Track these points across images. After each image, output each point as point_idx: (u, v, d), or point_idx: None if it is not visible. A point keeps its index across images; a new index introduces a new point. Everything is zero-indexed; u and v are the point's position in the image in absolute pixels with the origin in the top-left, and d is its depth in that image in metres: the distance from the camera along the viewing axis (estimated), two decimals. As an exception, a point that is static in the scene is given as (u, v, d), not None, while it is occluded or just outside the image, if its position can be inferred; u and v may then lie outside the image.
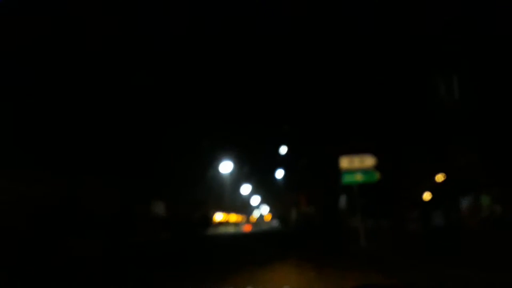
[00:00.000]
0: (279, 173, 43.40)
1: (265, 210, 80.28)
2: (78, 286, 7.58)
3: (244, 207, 63.22)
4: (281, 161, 43.33)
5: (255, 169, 51.86)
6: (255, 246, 15.87)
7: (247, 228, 50.62)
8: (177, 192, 35.83)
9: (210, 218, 42.20)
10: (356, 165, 13.29)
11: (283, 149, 36.04)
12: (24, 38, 15.51)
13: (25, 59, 16.52)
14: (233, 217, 57.74)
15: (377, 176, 13.41)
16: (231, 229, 47.71)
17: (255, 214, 75.58)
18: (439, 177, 21.76)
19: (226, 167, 48.53)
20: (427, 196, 21.31)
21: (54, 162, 18.23)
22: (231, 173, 49.52)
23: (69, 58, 18.48)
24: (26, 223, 14.27)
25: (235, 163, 48.95)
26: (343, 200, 32.30)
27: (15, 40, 15.15)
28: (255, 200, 65.96)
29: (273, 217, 79.08)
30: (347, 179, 13.49)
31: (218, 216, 49.57)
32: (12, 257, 11.93)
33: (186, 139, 38.35)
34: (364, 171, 13.27)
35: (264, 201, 66.51)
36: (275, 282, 6.93)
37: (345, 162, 13.36)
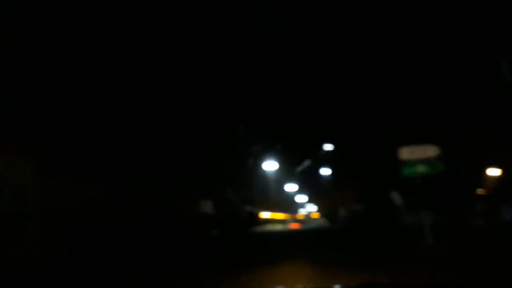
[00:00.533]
0: (325, 171, 42.08)
1: (311, 208, 78.79)
2: (132, 284, 7.37)
3: (290, 205, 62.13)
4: (327, 158, 42.03)
5: (301, 166, 50.85)
6: (306, 244, 14.84)
7: (294, 226, 49.49)
8: (224, 190, 35.50)
9: (257, 215, 41.58)
10: (418, 155, 11.98)
11: (328, 146, 34.69)
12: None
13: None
14: (280, 215, 56.81)
15: (441, 167, 12.05)
16: (278, 227, 46.82)
17: (301, 212, 74.24)
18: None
19: (270, 165, 47.83)
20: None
21: (103, 161, 18.31)
22: (276, 172, 48.73)
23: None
24: (78, 222, 14.17)
25: (280, 162, 48.17)
26: (395, 196, 30.52)
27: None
28: (301, 198, 64.74)
29: (320, 215, 77.47)
30: (408, 171, 12.20)
31: (265, 214, 48.84)
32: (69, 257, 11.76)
33: (232, 138, 37.98)
34: (427, 162, 11.93)
35: (310, 199, 65.09)
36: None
37: (405, 153, 12.09)
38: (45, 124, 15.80)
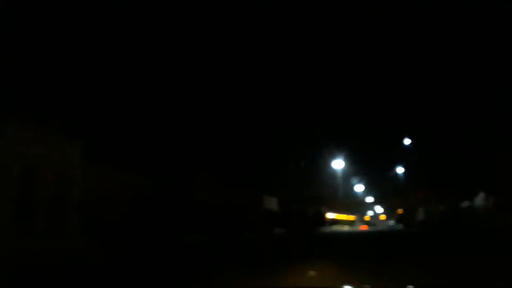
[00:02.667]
0: (399, 169, 37.54)
1: (378, 209, 73.00)
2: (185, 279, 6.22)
3: (357, 206, 57.67)
4: (400, 157, 37.53)
5: (369, 166, 46.57)
6: (383, 252, 11.57)
7: (363, 228, 45.30)
8: (290, 188, 32.88)
9: (323, 215, 38.23)
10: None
11: (407, 141, 30.48)
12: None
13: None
14: (347, 216, 52.83)
15: None
16: (345, 228, 43.03)
17: (369, 213, 69.03)
18: None
19: (338, 164, 44.23)
20: None
21: (173, 159, 16.79)
22: (344, 171, 44.99)
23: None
24: (129, 215, 12.37)
25: (348, 161, 44.34)
26: (480, 198, 25.70)
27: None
28: (369, 199, 59.79)
29: (388, 217, 71.51)
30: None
31: (331, 214, 45.32)
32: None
33: (299, 137, 35.50)
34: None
35: (378, 200, 59.82)
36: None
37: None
38: (105, 112, 14.49)
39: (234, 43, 21.51)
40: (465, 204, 24.81)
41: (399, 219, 37.98)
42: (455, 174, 26.34)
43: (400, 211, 52.55)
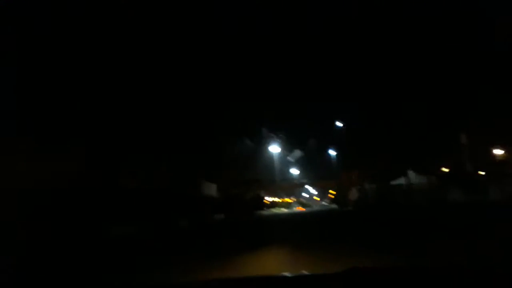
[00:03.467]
0: (332, 152, 38.29)
1: (313, 191, 75.24)
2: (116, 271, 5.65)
3: (293, 189, 58.59)
4: (332, 139, 38.31)
5: (303, 150, 47.25)
6: (323, 233, 11.07)
7: (299, 209, 46.02)
8: (228, 173, 31.97)
9: (262, 199, 37.95)
10: None
11: (338, 123, 30.88)
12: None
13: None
14: (284, 199, 53.43)
15: None
16: (283, 210, 43.30)
17: (304, 195, 70.78)
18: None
19: (274, 148, 44.25)
20: None
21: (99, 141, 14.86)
22: (279, 155, 45.15)
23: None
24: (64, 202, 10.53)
25: (284, 145, 44.52)
26: (412, 176, 26.81)
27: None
28: (304, 182, 60.99)
29: (321, 198, 74.15)
30: None
31: (269, 198, 45.40)
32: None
33: (235, 121, 34.78)
34: None
35: (311, 182, 61.21)
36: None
37: None
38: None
39: (164, 18, 20.35)
40: (396, 182, 25.72)
41: (334, 200, 38.93)
42: (386, 153, 27.18)
43: (332, 192, 54.29)
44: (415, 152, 27.16)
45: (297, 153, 37.17)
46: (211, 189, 27.20)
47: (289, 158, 41.17)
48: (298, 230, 11.79)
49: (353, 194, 28.37)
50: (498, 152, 27.78)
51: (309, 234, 10.16)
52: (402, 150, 27.14)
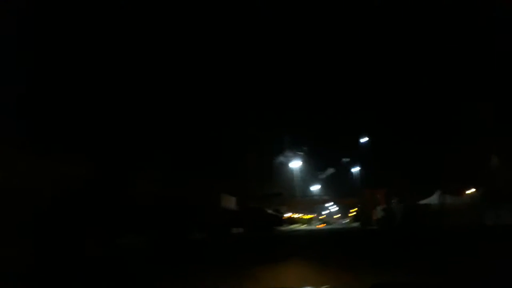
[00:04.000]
0: (355, 169, 36.93)
1: (333, 208, 72.95)
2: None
3: (314, 205, 57.02)
4: (356, 156, 37.01)
5: (325, 166, 46.08)
6: (347, 251, 9.97)
7: (320, 226, 44.51)
8: (248, 186, 31.13)
9: (282, 214, 36.79)
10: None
11: (363, 140, 29.69)
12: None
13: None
14: (304, 215, 51.96)
15: None
16: (303, 227, 41.94)
17: (324, 212, 68.88)
18: None
19: (296, 163, 43.24)
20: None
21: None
22: (303, 171, 44.08)
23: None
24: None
25: (305, 161, 43.46)
26: (436, 197, 25.24)
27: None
28: (325, 199, 59.41)
29: (342, 216, 71.73)
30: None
31: (289, 213, 44.13)
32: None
33: (258, 134, 34.12)
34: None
35: (333, 199, 59.53)
36: None
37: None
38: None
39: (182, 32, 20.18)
40: (424, 202, 24.22)
41: (356, 218, 37.37)
42: (413, 172, 25.79)
43: (354, 210, 52.39)
44: (444, 171, 25.62)
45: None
46: (231, 202, 26.38)
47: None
48: (317, 248, 10.84)
49: (378, 212, 26.96)
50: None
51: (326, 252, 9.27)
52: (430, 169, 25.63)
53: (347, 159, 34.77)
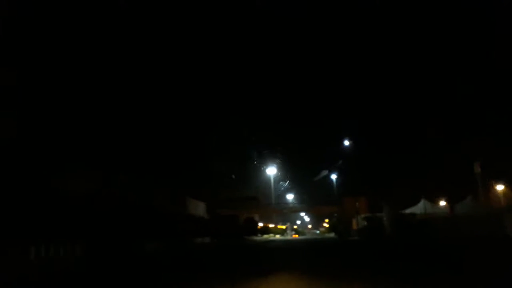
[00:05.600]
0: (332, 175, 34.44)
1: (306, 218, 70.28)
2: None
3: (287, 215, 54.19)
4: (334, 163, 34.60)
5: (301, 174, 43.53)
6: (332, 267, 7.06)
7: (294, 236, 41.64)
8: (221, 193, 28.00)
9: (255, 223, 33.71)
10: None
11: (346, 143, 27.28)
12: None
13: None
14: (277, 225, 49.04)
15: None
16: (277, 237, 38.95)
17: (297, 222, 66.30)
18: None
19: (271, 170, 40.37)
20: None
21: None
22: (276, 178, 41.22)
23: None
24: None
25: (280, 169, 40.66)
26: (421, 206, 22.96)
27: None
28: (300, 208, 56.73)
29: (314, 226, 69.15)
30: None
31: (262, 223, 41.04)
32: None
33: (231, 139, 31.33)
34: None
35: (306, 208, 56.93)
36: None
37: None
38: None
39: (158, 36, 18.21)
40: (408, 211, 21.84)
41: (332, 228, 34.70)
42: (397, 180, 23.52)
43: (327, 220, 49.77)
44: (429, 179, 23.49)
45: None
46: (199, 209, 23.10)
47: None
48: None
49: (359, 222, 24.36)
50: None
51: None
52: (416, 177, 23.42)
53: (325, 171, 32.06)
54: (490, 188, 24.98)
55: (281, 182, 42.42)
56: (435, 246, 11.63)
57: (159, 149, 20.96)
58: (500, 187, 25.34)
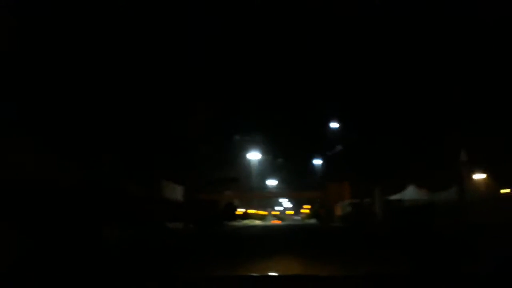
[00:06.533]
0: (317, 161, 33.17)
1: (287, 204, 69.25)
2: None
3: (268, 200, 53.03)
4: (319, 148, 33.26)
5: (285, 158, 42.12)
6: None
7: (275, 222, 40.57)
8: (199, 176, 26.30)
9: (235, 208, 32.30)
10: None
11: (334, 124, 25.91)
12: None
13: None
14: (258, 211, 47.82)
15: None
16: (257, 222, 37.73)
17: (278, 208, 65.30)
18: None
19: (254, 156, 38.79)
20: None
21: None
22: (259, 163, 39.75)
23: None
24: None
25: (264, 154, 39.06)
26: (410, 191, 21.96)
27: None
28: (281, 193, 55.64)
29: (296, 212, 68.17)
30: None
31: (243, 208, 39.71)
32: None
33: (213, 121, 29.49)
34: None
35: (290, 193, 55.90)
36: None
37: None
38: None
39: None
40: (394, 197, 20.81)
41: (314, 214, 33.67)
42: (383, 165, 22.35)
43: (307, 206, 48.72)
44: (415, 165, 22.45)
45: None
46: (176, 192, 21.38)
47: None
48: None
49: (343, 208, 23.23)
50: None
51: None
52: (402, 163, 22.34)
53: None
54: (472, 177, 24.36)
55: (263, 167, 41.04)
56: (418, 232, 11.13)
57: (133, 130, 19.16)
58: (480, 176, 24.79)
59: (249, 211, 44.34)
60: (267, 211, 54.48)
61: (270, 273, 4.11)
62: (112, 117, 15.85)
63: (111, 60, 17.38)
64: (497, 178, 24.22)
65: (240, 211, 37.14)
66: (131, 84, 20.26)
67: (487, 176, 25.13)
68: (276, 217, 50.42)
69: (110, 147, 15.03)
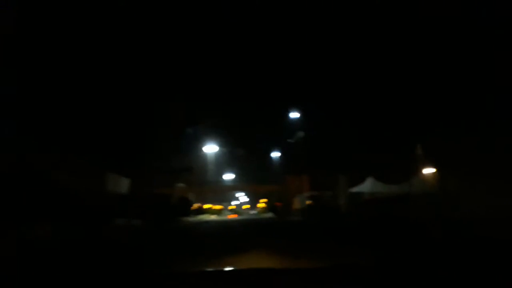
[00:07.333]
0: (275, 154, 32.12)
1: (243, 198, 68.05)
2: None
3: (223, 194, 51.44)
4: (276, 140, 32.26)
5: (243, 153, 40.68)
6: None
7: (231, 216, 39.07)
8: (150, 161, 24.12)
9: (189, 203, 30.40)
10: None
11: (294, 114, 24.86)
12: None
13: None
14: (214, 205, 46.03)
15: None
16: (213, 217, 36.03)
17: (234, 202, 63.96)
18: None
19: (210, 148, 36.96)
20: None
21: None
22: (215, 156, 38.03)
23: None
24: None
25: (221, 146, 37.32)
26: (369, 184, 21.44)
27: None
28: (237, 186, 54.24)
29: (252, 206, 67.10)
30: None
31: (198, 203, 37.83)
32: None
33: (163, 110, 27.34)
34: None
35: (247, 186, 54.65)
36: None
37: None
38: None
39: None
40: (355, 190, 20.16)
41: (271, 208, 32.67)
42: (345, 157, 21.64)
43: (264, 200, 47.78)
44: (376, 158, 21.97)
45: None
46: (121, 185, 19.14)
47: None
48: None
49: (301, 201, 22.28)
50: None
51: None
52: (362, 155, 21.78)
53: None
54: (427, 171, 24.53)
55: (219, 160, 39.39)
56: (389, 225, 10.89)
57: (69, 111, 16.75)
58: (431, 170, 25.12)
59: (205, 206, 42.52)
60: (223, 205, 52.89)
61: (240, 268, 4.01)
62: (42, 93, 13.65)
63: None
64: (447, 174, 24.43)
65: (195, 205, 35.26)
66: (76, 62, 17.98)
67: (437, 170, 25.53)
68: (233, 211, 48.92)
69: (38, 130, 12.72)
